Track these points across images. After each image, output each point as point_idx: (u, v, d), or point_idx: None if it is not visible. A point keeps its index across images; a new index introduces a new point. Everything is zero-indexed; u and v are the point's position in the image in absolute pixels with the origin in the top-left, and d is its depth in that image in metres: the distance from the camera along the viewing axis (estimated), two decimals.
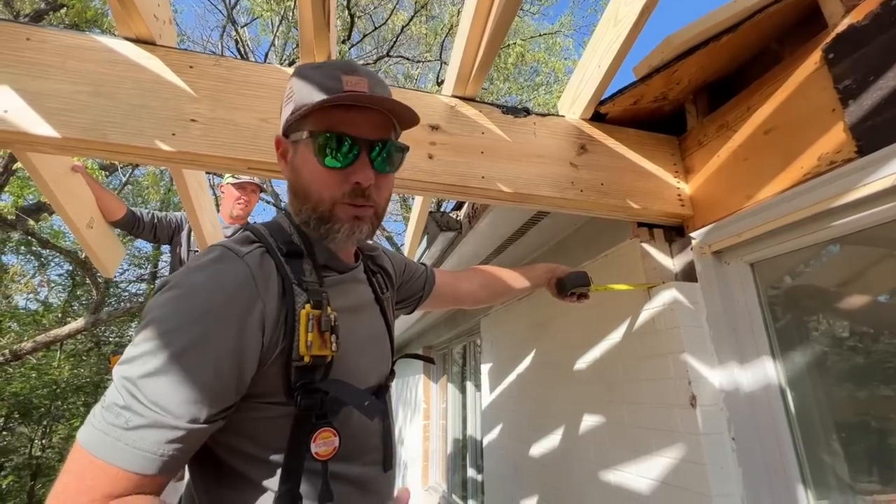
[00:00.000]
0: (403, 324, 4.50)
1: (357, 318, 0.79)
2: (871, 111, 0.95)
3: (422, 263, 1.19)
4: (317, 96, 0.69)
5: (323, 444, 0.66)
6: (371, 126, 0.71)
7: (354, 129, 0.70)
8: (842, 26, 1.04)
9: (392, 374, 0.88)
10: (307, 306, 0.67)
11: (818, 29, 1.11)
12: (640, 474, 1.45)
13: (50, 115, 0.98)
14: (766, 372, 1.23)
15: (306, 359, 0.65)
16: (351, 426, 0.71)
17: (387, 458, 0.80)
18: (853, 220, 1.02)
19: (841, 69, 1.02)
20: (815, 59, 1.08)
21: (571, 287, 1.30)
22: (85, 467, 0.54)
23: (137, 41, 1.09)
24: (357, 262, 0.86)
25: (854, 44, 1.00)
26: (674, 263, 1.50)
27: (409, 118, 0.74)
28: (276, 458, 0.66)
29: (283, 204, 10.67)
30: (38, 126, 0.97)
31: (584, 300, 1.34)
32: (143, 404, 0.55)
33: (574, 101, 1.42)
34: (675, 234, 1.53)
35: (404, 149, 0.76)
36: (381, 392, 0.83)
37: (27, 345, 6.24)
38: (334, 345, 0.68)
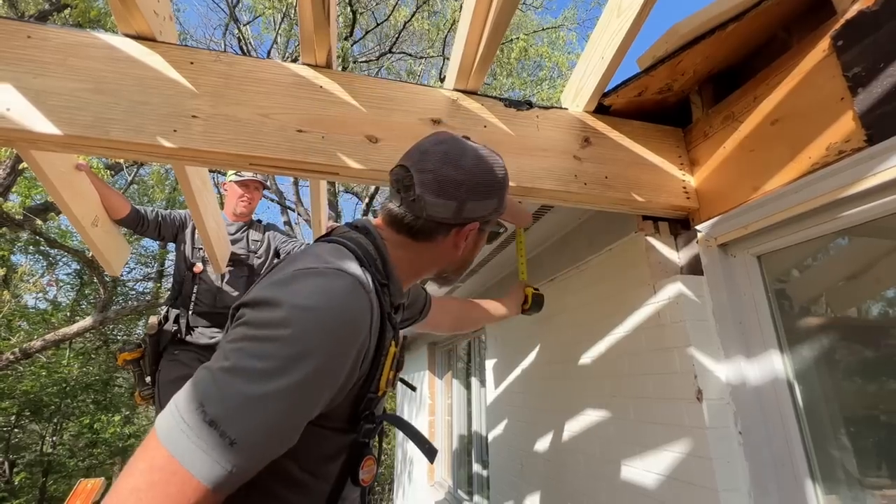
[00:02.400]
0: None
1: None
2: (881, 99, 0.93)
3: (423, 288, 1.27)
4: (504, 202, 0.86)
5: (367, 471, 0.70)
6: None
7: None
8: (851, 12, 1.01)
9: None
10: (393, 343, 0.71)
11: (826, 15, 1.09)
12: (646, 469, 1.44)
13: (52, 113, 0.98)
14: (773, 365, 1.22)
15: (380, 393, 0.69)
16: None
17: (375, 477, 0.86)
18: (862, 210, 1.01)
19: (850, 56, 1.00)
20: (823, 46, 1.06)
21: (537, 308, 1.62)
22: (163, 470, 0.50)
23: (138, 38, 1.09)
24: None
25: (864, 30, 0.98)
26: (679, 257, 1.48)
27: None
28: (317, 481, 0.68)
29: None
30: (40, 124, 0.97)
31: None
32: (241, 423, 0.52)
33: (577, 94, 1.40)
34: (680, 226, 1.51)
35: None
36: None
37: (37, 343, 6.32)
38: (394, 382, 0.75)
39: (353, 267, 0.67)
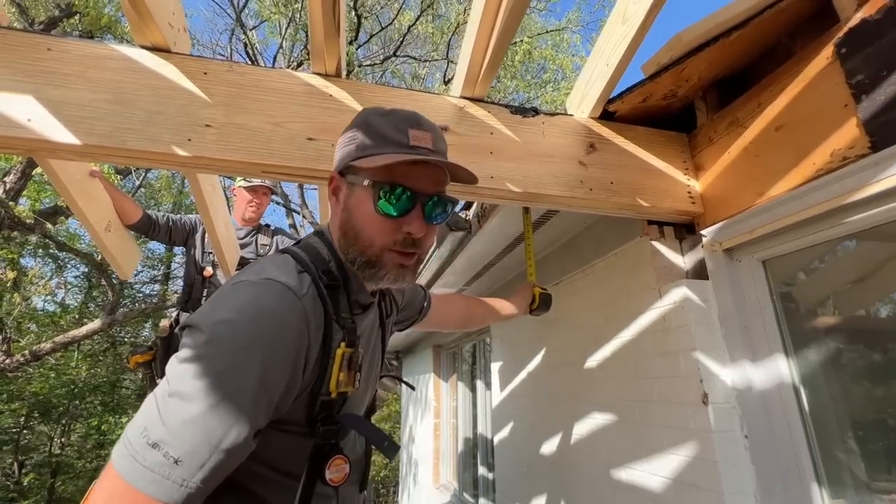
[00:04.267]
0: None
1: (367, 351, 0.84)
2: (884, 106, 0.94)
3: (420, 287, 1.25)
4: (384, 147, 0.72)
5: (336, 470, 0.70)
6: (429, 180, 0.74)
7: (414, 182, 0.72)
8: (854, 20, 1.03)
9: (374, 397, 0.94)
10: (342, 345, 0.71)
11: (830, 23, 1.10)
12: (651, 472, 1.45)
13: (71, 123, 1.01)
14: (778, 370, 1.23)
15: (333, 395, 0.69)
16: (351, 452, 0.76)
17: (364, 480, 0.86)
18: (867, 216, 1.02)
19: (853, 64, 1.01)
20: (826, 53, 1.08)
21: (544, 308, 1.55)
22: (119, 494, 0.54)
23: (153, 49, 1.12)
24: (374, 295, 0.88)
25: (867, 38, 0.99)
26: (684, 261, 1.49)
27: (466, 177, 0.77)
28: (290, 481, 0.69)
29: (297, 217, 10.75)
30: (60, 134, 1.00)
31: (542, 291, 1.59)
32: (182, 442, 0.55)
33: (582, 100, 1.42)
34: (685, 231, 1.52)
35: (454, 202, 0.79)
36: (368, 417, 0.90)
37: (46, 345, 6.39)
38: (357, 382, 0.72)
39: (286, 275, 0.68)
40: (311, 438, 0.70)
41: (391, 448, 0.74)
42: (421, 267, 2.89)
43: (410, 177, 0.72)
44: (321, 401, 0.69)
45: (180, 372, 0.59)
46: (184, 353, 0.60)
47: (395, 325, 1.17)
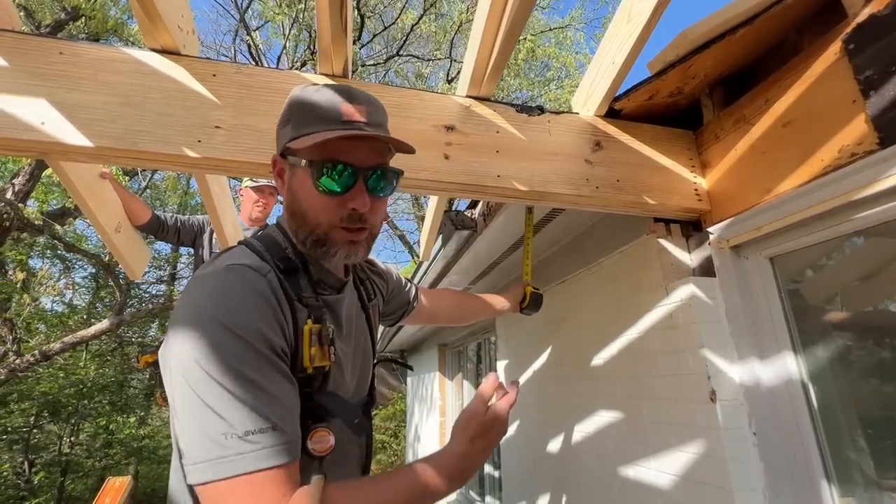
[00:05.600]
0: None
1: (346, 332, 0.85)
2: (893, 102, 0.94)
3: (408, 280, 1.27)
4: (317, 125, 0.71)
5: (318, 441, 0.71)
6: (368, 153, 0.74)
7: (352, 157, 0.72)
8: (862, 16, 1.02)
9: (373, 385, 0.95)
10: (309, 322, 0.72)
11: (837, 18, 1.09)
12: (659, 470, 1.45)
13: (84, 126, 1.02)
14: (787, 367, 1.22)
15: (309, 370, 0.71)
16: (340, 430, 0.77)
17: (366, 466, 0.88)
18: (876, 212, 1.01)
19: (862, 60, 1.01)
20: (834, 49, 1.07)
21: (534, 308, 1.59)
22: (247, 489, 0.57)
23: (163, 52, 1.13)
24: (347, 275, 0.89)
25: (875, 34, 0.99)
26: (691, 258, 1.49)
27: (404, 148, 0.76)
28: None
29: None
30: (72, 136, 1.01)
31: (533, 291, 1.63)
32: (265, 408, 0.60)
33: (588, 99, 1.42)
34: (692, 229, 1.52)
35: (399, 173, 0.78)
36: (367, 408, 0.90)
37: (55, 346, 6.45)
38: (332, 356, 0.74)
39: (248, 259, 0.71)
40: None
41: (359, 426, 0.78)
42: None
43: (348, 152, 0.71)
44: (298, 377, 0.71)
45: (199, 371, 0.59)
46: (185, 360, 0.60)
47: (383, 318, 1.18)
